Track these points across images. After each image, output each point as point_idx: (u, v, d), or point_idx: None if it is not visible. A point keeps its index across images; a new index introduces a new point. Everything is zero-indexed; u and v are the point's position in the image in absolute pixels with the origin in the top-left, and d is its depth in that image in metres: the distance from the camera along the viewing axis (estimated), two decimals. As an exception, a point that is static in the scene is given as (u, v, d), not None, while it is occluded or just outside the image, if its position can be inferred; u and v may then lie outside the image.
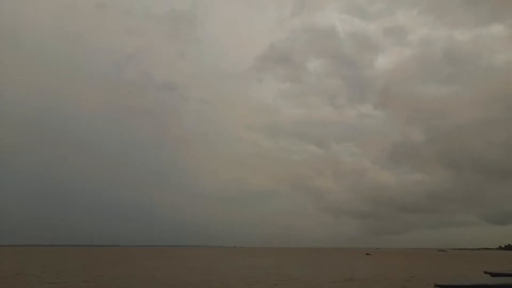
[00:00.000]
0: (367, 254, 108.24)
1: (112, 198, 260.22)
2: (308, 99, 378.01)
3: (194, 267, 40.46)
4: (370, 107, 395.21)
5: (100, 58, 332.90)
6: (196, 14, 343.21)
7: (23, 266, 39.12)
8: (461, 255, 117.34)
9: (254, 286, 21.13)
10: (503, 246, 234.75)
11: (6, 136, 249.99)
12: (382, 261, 61.16)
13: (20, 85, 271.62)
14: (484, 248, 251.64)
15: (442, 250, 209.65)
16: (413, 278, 26.18)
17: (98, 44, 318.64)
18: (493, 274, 5.21)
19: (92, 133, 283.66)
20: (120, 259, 62.78)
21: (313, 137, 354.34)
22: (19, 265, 42.39)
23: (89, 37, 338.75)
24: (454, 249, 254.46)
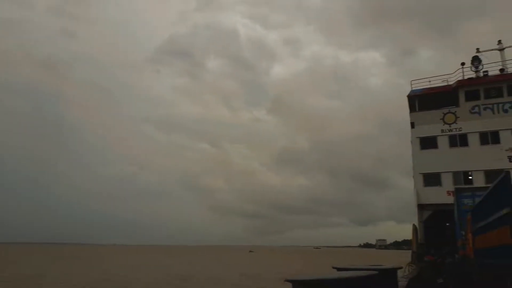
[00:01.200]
0: (250, 251, 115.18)
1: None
2: (205, 97, 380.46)
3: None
4: (264, 112, 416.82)
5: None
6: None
7: None
8: (330, 251, 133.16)
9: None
10: (362, 244, 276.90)
11: None
12: (260, 258, 66.48)
13: None
14: (348, 246, 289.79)
15: (317, 248, 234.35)
16: (275, 272, 30.00)
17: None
18: (338, 269, 7.12)
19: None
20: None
21: (207, 135, 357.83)
22: None
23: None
24: (327, 246, 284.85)
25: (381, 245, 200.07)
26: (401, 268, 6.18)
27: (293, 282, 3.74)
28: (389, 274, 5.69)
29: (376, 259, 51.64)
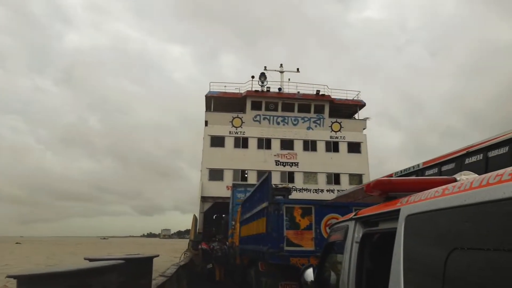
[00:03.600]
0: (17, 243, 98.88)
1: None
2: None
3: None
4: (50, 82, 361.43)
5: None
6: None
7: None
8: (116, 242, 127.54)
9: None
10: (146, 233, 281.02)
11: None
12: (23, 251, 57.08)
13: None
14: (131, 236, 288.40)
15: (105, 238, 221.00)
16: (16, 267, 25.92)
17: None
18: (91, 260, 6.56)
19: None
20: None
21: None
22: None
23: None
24: (113, 237, 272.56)
25: (165, 235, 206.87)
26: (157, 256, 6.29)
27: (18, 277, 3.28)
28: (142, 263, 5.71)
29: (154, 248, 52.79)
